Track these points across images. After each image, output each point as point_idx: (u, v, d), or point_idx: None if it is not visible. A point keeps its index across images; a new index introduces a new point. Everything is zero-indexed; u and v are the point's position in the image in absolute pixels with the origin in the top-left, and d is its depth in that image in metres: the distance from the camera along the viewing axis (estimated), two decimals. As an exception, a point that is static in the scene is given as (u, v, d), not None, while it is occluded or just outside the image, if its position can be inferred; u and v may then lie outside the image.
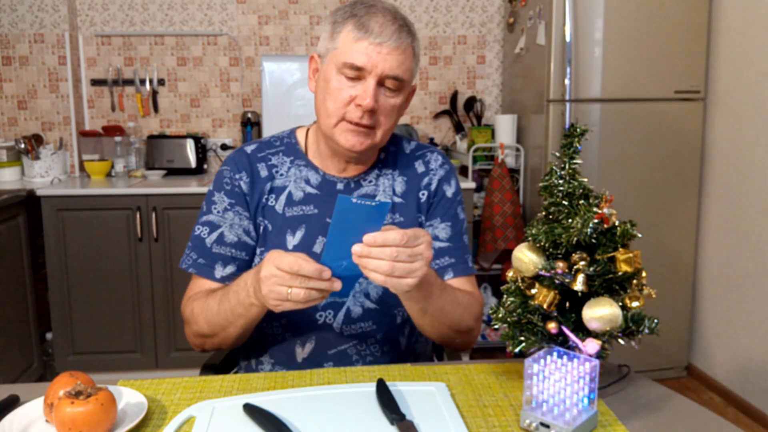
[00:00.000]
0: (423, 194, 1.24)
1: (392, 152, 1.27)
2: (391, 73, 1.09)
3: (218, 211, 1.20)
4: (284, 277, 0.92)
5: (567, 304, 0.95)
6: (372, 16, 1.08)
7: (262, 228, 1.20)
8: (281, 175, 1.22)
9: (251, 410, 0.88)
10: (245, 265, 1.20)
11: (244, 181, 1.20)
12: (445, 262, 1.21)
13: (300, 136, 1.27)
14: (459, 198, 1.27)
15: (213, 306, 1.10)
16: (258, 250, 1.20)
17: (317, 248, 1.18)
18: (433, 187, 1.25)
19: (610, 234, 0.93)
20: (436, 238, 1.22)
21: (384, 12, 1.10)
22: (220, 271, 1.18)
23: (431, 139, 3.47)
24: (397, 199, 1.23)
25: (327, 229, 1.17)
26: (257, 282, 0.97)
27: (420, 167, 1.26)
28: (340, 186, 1.21)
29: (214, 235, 1.19)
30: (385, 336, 1.21)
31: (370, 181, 1.23)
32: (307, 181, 1.21)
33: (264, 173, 1.21)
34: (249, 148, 1.24)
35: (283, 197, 1.20)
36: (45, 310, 2.82)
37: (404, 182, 1.24)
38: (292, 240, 1.18)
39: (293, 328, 1.20)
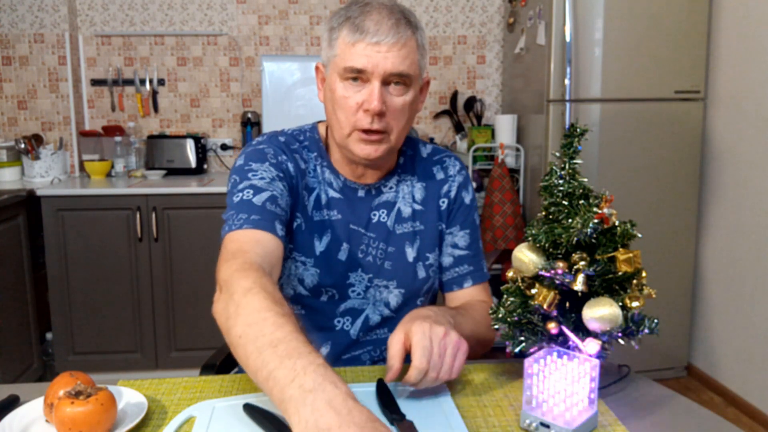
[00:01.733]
0: (443, 202, 1.22)
1: (409, 156, 1.24)
2: (395, 71, 1.04)
3: (263, 178, 1.07)
4: None
5: (567, 304, 0.95)
6: (367, 16, 1.04)
7: (296, 224, 1.14)
8: (309, 172, 1.17)
9: (251, 410, 0.88)
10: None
11: (291, 165, 1.13)
12: (464, 270, 1.22)
13: (322, 131, 1.22)
14: (475, 204, 1.26)
15: (267, 332, 0.77)
16: (288, 245, 1.13)
17: (342, 255, 1.16)
18: (452, 194, 1.23)
19: (610, 234, 0.93)
20: (455, 245, 1.22)
21: (379, 9, 1.05)
22: (279, 229, 1.03)
23: (431, 139, 3.47)
24: (417, 207, 1.21)
25: (350, 236, 1.16)
26: (309, 411, 0.66)
27: (439, 174, 1.24)
28: (361, 193, 1.18)
29: (265, 195, 1.05)
30: None
31: (391, 188, 1.20)
32: (330, 185, 1.17)
33: (302, 165, 1.16)
34: (281, 138, 1.17)
35: (312, 198, 1.16)
36: (45, 310, 2.82)
37: (423, 188, 1.22)
38: (319, 245, 1.15)
39: (309, 333, 1.17)
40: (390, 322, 1.19)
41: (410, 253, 1.19)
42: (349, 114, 1.07)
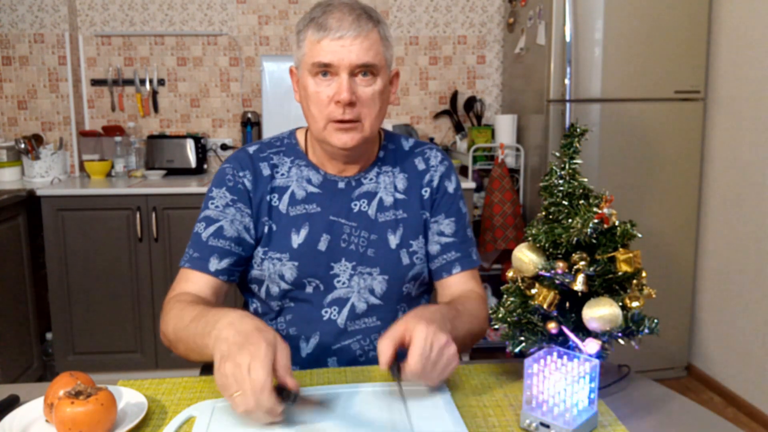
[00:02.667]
0: (425, 191, 1.26)
1: (391, 150, 1.28)
2: (360, 62, 1.09)
3: (217, 207, 1.20)
4: (241, 383, 0.83)
5: (567, 304, 0.95)
6: (329, 15, 1.10)
7: (266, 228, 1.20)
8: (282, 174, 1.22)
9: None
10: (242, 260, 1.20)
11: (248, 179, 1.21)
12: (451, 256, 1.24)
13: (300, 136, 1.28)
14: (460, 193, 1.29)
15: (186, 319, 1.02)
16: (261, 250, 1.20)
17: (321, 246, 1.19)
18: (435, 183, 1.26)
19: (610, 234, 0.93)
20: (441, 233, 1.25)
21: (341, 7, 1.11)
22: (215, 264, 1.16)
23: (431, 139, 3.47)
24: (399, 196, 1.24)
25: (331, 227, 1.20)
26: (228, 347, 0.86)
27: (420, 164, 1.28)
28: (341, 185, 1.22)
29: (212, 229, 1.18)
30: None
31: (371, 179, 1.24)
32: (309, 181, 1.22)
33: (266, 172, 1.22)
34: (251, 149, 1.25)
35: (286, 196, 1.21)
36: (45, 310, 2.82)
37: (405, 179, 1.26)
38: (296, 239, 1.19)
39: (298, 324, 1.21)
40: (377, 310, 1.21)
41: (393, 240, 1.22)
42: (322, 107, 1.12)
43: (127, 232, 2.77)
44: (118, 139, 3.12)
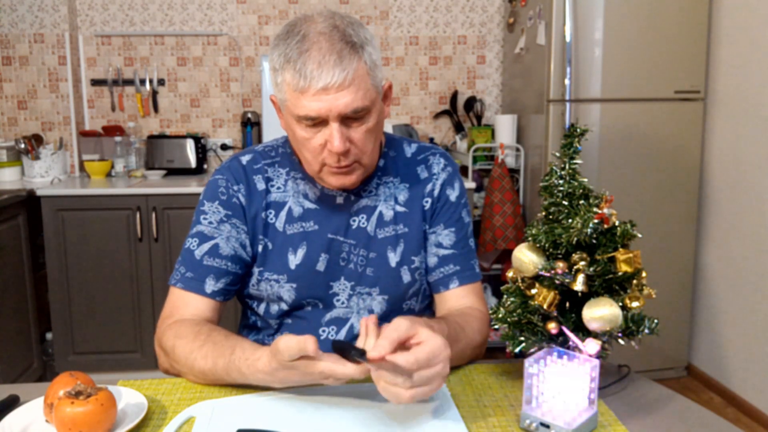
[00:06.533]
0: (427, 202, 1.19)
1: (392, 158, 1.21)
2: (349, 110, 0.99)
3: (210, 222, 1.14)
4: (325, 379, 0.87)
5: (567, 304, 0.95)
6: (307, 57, 0.97)
7: (261, 247, 1.15)
8: (278, 188, 1.16)
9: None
10: (238, 279, 1.15)
11: (242, 194, 1.15)
12: (449, 270, 1.18)
13: None
14: (463, 201, 1.22)
15: (201, 364, 0.99)
16: (257, 270, 1.15)
17: (320, 266, 1.15)
18: (436, 192, 1.19)
19: (610, 234, 0.93)
20: (439, 245, 1.18)
21: (318, 43, 0.98)
22: (211, 285, 1.12)
23: (431, 139, 3.47)
24: (399, 209, 1.18)
25: (328, 246, 1.15)
26: (287, 377, 0.89)
27: (423, 173, 1.20)
28: (339, 200, 1.16)
29: (206, 246, 1.13)
30: None
31: (370, 192, 1.17)
32: (305, 196, 1.16)
33: (261, 186, 1.16)
34: (244, 159, 1.18)
35: (283, 214, 1.15)
36: (45, 310, 2.82)
37: (407, 189, 1.19)
38: (294, 259, 1.14)
39: None
40: None
41: (393, 258, 1.17)
42: (315, 154, 1.05)
43: (127, 232, 2.77)
44: (118, 139, 3.12)
